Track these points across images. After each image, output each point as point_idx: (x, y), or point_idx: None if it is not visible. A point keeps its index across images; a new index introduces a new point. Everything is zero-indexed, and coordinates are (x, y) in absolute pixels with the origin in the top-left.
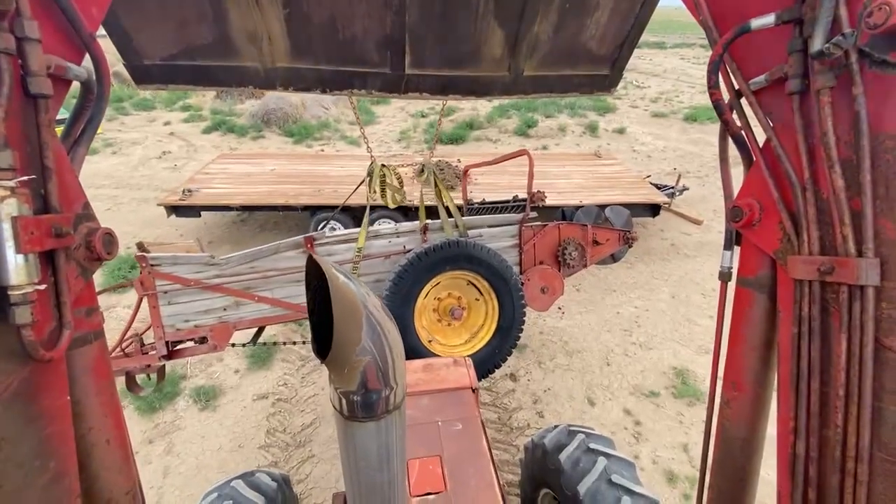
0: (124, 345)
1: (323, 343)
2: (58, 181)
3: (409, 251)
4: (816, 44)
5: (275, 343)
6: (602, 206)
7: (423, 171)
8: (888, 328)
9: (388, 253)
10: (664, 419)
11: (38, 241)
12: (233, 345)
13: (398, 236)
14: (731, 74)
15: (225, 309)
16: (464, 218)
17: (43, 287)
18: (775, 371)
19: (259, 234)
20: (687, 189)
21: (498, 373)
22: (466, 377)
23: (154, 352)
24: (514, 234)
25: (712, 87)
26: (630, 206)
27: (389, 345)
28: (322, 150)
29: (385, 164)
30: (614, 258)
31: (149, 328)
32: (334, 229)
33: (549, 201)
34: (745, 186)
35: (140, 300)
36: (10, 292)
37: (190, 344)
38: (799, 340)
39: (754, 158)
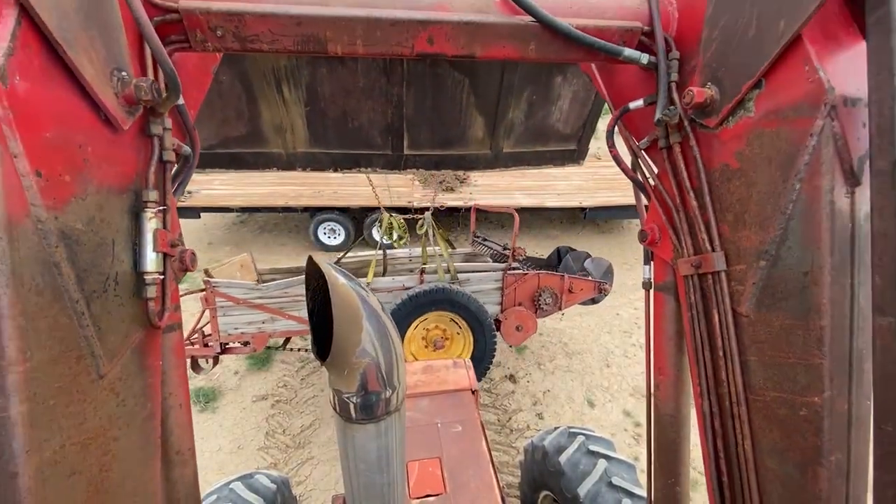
0: (192, 338)
1: (323, 345)
2: (170, 215)
3: (407, 288)
4: (657, 115)
5: (270, 347)
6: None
7: (422, 224)
8: (737, 299)
9: (391, 289)
10: None
11: (164, 246)
12: (268, 347)
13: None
14: (626, 138)
15: (263, 322)
16: (456, 264)
17: (162, 277)
18: (686, 354)
19: (259, 236)
20: None
21: (498, 374)
22: (466, 379)
23: (212, 345)
24: (498, 279)
25: (610, 147)
26: (629, 209)
27: (389, 347)
28: None
29: (392, 214)
30: (594, 301)
31: (207, 324)
32: (334, 230)
33: (549, 203)
34: (648, 215)
35: (203, 311)
36: (145, 276)
37: (237, 345)
38: (692, 322)
39: (651, 196)
